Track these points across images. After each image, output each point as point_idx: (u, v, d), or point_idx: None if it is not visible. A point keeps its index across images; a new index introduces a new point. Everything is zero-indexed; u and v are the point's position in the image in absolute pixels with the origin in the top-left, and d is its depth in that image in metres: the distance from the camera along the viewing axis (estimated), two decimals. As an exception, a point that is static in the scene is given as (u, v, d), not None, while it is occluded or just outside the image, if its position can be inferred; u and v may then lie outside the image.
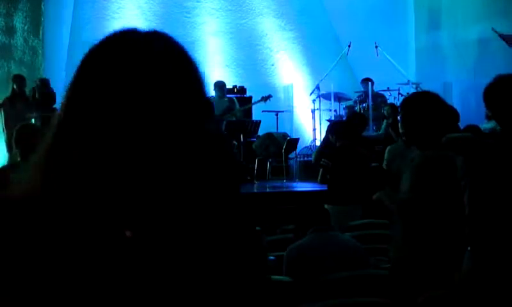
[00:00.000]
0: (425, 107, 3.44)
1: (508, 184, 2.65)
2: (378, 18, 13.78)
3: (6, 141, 10.19)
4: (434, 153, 3.41)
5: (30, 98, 10.64)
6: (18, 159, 4.86)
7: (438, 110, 3.44)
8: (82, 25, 12.83)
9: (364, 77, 12.48)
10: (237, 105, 11.53)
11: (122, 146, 0.93)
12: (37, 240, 0.93)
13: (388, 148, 7.11)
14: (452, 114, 6.15)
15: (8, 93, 10.67)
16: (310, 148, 12.26)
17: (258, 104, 11.97)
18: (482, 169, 2.69)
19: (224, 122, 11.17)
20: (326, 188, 7.12)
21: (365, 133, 9.63)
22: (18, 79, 10.60)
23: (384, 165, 7.00)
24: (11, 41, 12.06)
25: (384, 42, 12.76)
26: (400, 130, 3.61)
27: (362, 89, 12.31)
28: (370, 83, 12.06)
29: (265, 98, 11.78)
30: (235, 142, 10.60)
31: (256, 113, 12.09)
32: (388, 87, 12.36)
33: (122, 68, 0.94)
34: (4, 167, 5.55)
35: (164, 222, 0.94)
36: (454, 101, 11.39)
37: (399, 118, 3.61)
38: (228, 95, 11.60)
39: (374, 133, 11.55)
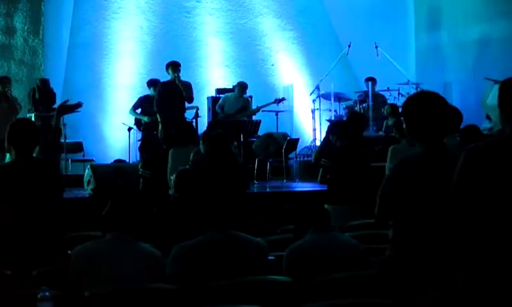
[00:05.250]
0: (427, 105, 3.44)
1: (506, 182, 2.65)
2: (378, 18, 13.80)
3: None
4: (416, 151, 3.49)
5: (17, 99, 10.59)
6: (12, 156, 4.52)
7: (439, 109, 3.44)
8: (82, 25, 12.81)
9: (364, 76, 12.49)
10: (251, 106, 11.82)
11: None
12: None
13: (391, 147, 7.12)
14: (455, 114, 6.17)
15: None
16: (310, 148, 12.25)
17: (258, 104, 12.03)
18: (475, 170, 2.67)
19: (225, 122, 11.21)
20: (326, 188, 7.12)
21: (365, 134, 9.63)
22: (3, 80, 10.55)
23: (387, 165, 7.00)
24: (11, 41, 12.06)
25: (384, 42, 12.76)
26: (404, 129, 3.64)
27: (364, 89, 12.31)
28: (370, 83, 12.05)
29: (279, 101, 11.99)
30: (235, 143, 10.60)
31: (257, 113, 12.09)
32: (388, 87, 12.36)
33: None
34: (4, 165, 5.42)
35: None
36: (454, 101, 11.39)
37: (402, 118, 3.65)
38: (244, 95, 11.75)
39: (374, 134, 11.55)
